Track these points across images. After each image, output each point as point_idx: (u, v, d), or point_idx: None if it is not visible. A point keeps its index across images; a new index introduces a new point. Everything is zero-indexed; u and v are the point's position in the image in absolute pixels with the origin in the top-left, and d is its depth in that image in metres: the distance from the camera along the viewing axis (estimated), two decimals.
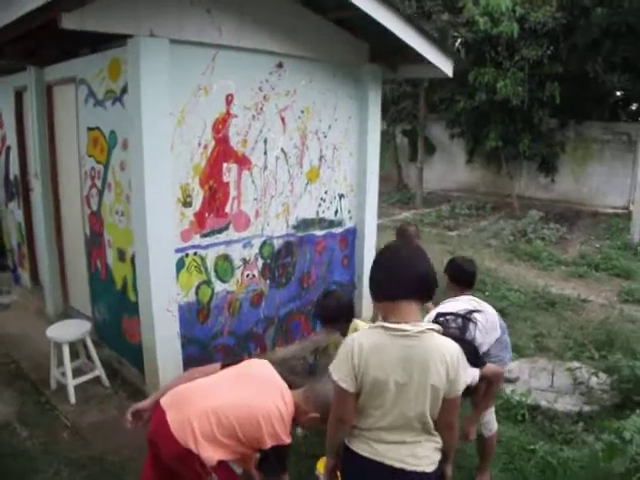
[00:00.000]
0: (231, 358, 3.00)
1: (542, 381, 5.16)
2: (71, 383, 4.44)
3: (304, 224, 5.48)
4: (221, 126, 4.57)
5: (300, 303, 5.62)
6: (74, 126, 5.10)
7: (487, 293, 7.49)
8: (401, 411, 2.17)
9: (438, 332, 2.18)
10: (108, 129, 4.59)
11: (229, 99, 4.57)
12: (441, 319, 3.21)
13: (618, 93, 15.23)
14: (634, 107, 16.20)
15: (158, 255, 4.18)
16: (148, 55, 3.89)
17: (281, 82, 4.94)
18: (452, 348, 2.17)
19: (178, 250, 4.42)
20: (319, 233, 5.66)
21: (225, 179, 4.69)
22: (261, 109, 4.83)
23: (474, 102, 12.88)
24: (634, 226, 10.71)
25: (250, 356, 5.16)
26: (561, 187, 15.24)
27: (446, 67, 5.62)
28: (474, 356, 3.09)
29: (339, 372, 2.19)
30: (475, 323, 3.20)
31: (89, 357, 4.70)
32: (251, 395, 2.64)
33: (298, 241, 5.45)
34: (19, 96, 6.14)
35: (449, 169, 17.47)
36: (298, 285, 5.56)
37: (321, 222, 5.65)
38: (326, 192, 5.62)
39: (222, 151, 4.61)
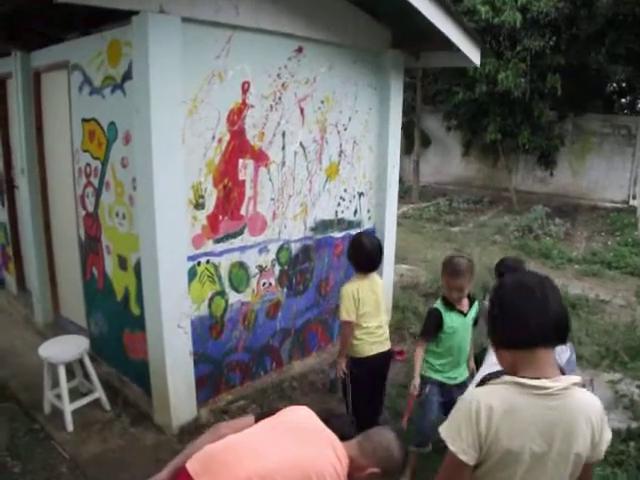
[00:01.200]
0: (263, 412, 2.43)
1: None
2: (68, 409, 3.90)
3: (322, 226, 4.99)
4: (236, 117, 4.05)
5: (317, 312, 5.15)
6: (66, 117, 4.55)
7: None
8: None
9: (579, 385, 1.71)
10: (107, 121, 4.05)
11: (245, 87, 4.06)
12: None
13: (616, 85, 14.93)
14: (630, 98, 15.89)
15: (168, 264, 3.67)
16: (157, 35, 3.35)
17: (300, 69, 4.43)
18: (596, 405, 1.70)
19: (190, 258, 3.90)
20: (338, 235, 5.18)
21: (241, 177, 4.18)
22: (279, 99, 4.32)
23: (473, 94, 12.49)
24: None
25: (266, 372, 4.70)
26: (559, 181, 14.93)
27: (474, 55, 5.17)
28: None
29: (460, 441, 1.68)
30: None
31: (86, 376, 4.18)
32: (299, 452, 2.11)
33: (316, 244, 4.97)
34: (2, 84, 5.56)
35: (444, 162, 17.09)
36: (316, 292, 5.08)
37: (340, 223, 5.17)
38: (345, 190, 5.14)
39: (237, 146, 4.10)
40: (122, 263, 4.17)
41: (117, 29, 3.76)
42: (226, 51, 3.85)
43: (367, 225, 5.48)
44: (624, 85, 14.84)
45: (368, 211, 5.48)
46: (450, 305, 3.52)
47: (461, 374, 3.68)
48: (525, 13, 11.25)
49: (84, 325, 4.90)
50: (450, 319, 3.51)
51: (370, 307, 3.68)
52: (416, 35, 5.04)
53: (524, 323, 1.69)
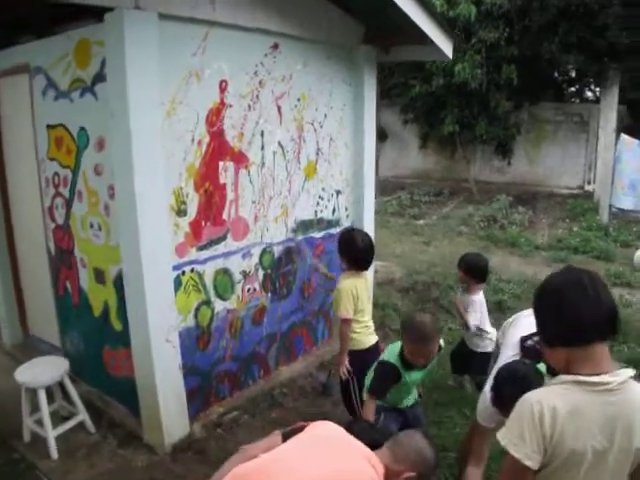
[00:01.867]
0: (290, 429, 2.29)
1: None
2: (52, 435, 3.65)
3: (303, 226, 4.86)
4: (215, 118, 3.87)
5: (302, 315, 5.01)
6: (29, 124, 4.27)
7: None
8: None
9: (635, 378, 1.66)
10: (76, 126, 3.81)
11: (223, 86, 3.88)
12: (530, 342, 2.71)
13: (565, 74, 15.24)
14: (579, 87, 16.27)
15: (154, 275, 3.47)
16: (134, 33, 3.14)
17: (277, 66, 4.28)
18: None
19: (174, 268, 3.71)
20: (318, 235, 5.05)
21: (222, 180, 4.00)
22: (257, 97, 4.16)
23: (430, 87, 12.55)
24: (602, 207, 10.59)
25: (254, 381, 4.55)
26: (516, 169, 15.14)
27: (447, 48, 5.12)
28: None
29: (524, 446, 1.60)
30: None
31: (66, 398, 3.93)
32: (336, 467, 2.00)
33: (298, 246, 4.83)
34: None
35: (402, 156, 17.12)
36: (299, 295, 4.94)
37: (319, 223, 5.04)
38: (323, 189, 5.02)
39: (217, 147, 3.92)
40: (99, 276, 3.94)
41: (85, 28, 3.52)
42: (202, 49, 3.67)
43: (345, 223, 5.37)
44: (573, 75, 15.14)
45: (346, 209, 5.37)
46: (410, 364, 3.16)
47: (413, 397, 3.51)
48: (479, 5, 11.36)
49: (57, 344, 4.63)
50: (409, 377, 3.23)
51: (365, 303, 3.80)
52: (388, 29, 4.95)
53: (580, 320, 1.64)
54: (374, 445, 2.18)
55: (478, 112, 12.89)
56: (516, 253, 9.09)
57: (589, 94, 16.52)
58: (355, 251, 3.69)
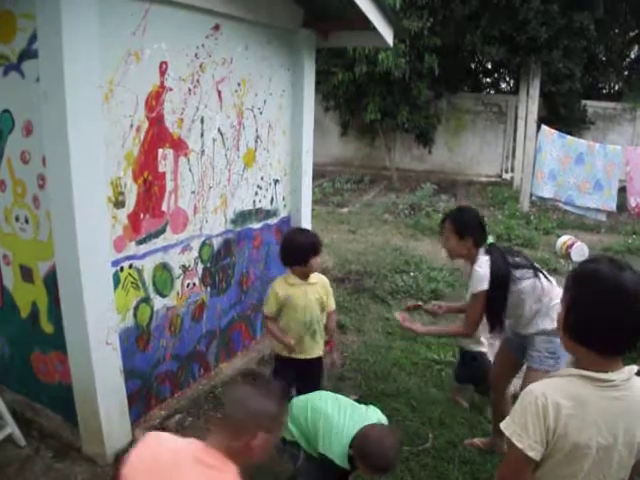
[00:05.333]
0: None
1: None
2: None
3: (242, 217, 4.67)
4: (155, 102, 3.61)
5: (240, 309, 4.83)
6: None
7: (412, 274, 7.16)
8: None
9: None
10: None
11: (163, 68, 3.62)
12: None
13: (481, 65, 15.71)
14: (495, 78, 16.84)
15: (92, 272, 3.18)
16: (72, 3, 2.83)
17: (218, 48, 4.05)
18: None
19: (113, 264, 3.44)
20: (256, 226, 4.88)
21: (161, 169, 3.74)
22: (197, 81, 3.92)
23: (353, 74, 12.54)
24: (523, 196, 10.99)
25: (195, 380, 4.35)
26: (436, 158, 15.48)
27: (388, 35, 5.07)
28: None
29: (527, 437, 1.60)
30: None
31: None
32: None
33: (236, 237, 4.64)
34: None
35: (322, 143, 16.94)
36: (238, 289, 4.76)
37: (258, 213, 4.87)
38: (262, 178, 4.84)
39: (156, 134, 3.66)
40: (27, 275, 3.59)
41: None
42: (142, 27, 3.39)
43: (283, 214, 5.23)
44: (489, 66, 15.62)
45: (283, 199, 5.22)
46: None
47: None
48: None
49: None
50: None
51: (299, 313, 3.66)
52: (328, 13, 4.84)
53: (617, 335, 1.60)
54: None
55: (400, 101, 13.02)
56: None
57: (503, 85, 17.12)
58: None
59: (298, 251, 3.52)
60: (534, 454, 1.60)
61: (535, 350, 3.19)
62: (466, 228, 3.28)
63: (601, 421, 1.60)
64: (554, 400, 1.59)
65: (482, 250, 3.26)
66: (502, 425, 1.68)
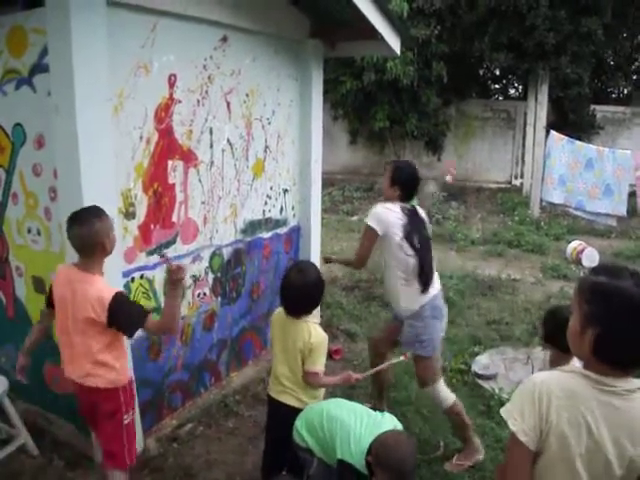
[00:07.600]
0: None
1: (520, 373, 4.86)
2: None
3: (252, 227, 4.69)
4: (164, 114, 3.65)
5: (251, 319, 4.84)
6: None
7: None
8: None
9: None
10: (10, 122, 3.47)
11: (172, 80, 3.66)
12: None
13: (490, 72, 15.71)
14: (503, 84, 16.83)
15: None
16: (82, 18, 2.88)
17: (226, 59, 4.09)
18: None
19: (124, 274, 3.47)
20: (266, 235, 4.90)
21: (170, 180, 3.78)
22: (206, 92, 3.96)
23: (361, 83, 12.59)
24: (533, 202, 10.95)
25: (206, 389, 4.38)
26: (446, 165, 15.44)
27: (395, 44, 5.10)
28: None
29: (521, 422, 1.64)
30: None
31: (3, 419, 3.60)
32: None
33: (247, 247, 4.66)
34: None
35: (331, 152, 16.99)
36: (248, 298, 4.77)
37: (267, 222, 4.89)
38: (271, 188, 4.87)
39: (166, 145, 3.70)
40: (39, 286, 3.63)
41: (17, 14, 3.22)
42: (151, 40, 3.44)
43: (292, 223, 5.25)
44: (497, 73, 15.62)
45: (293, 208, 5.25)
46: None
47: None
48: (411, 2, 11.45)
49: None
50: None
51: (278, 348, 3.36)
52: (335, 23, 4.87)
53: (636, 352, 1.61)
54: None
55: (408, 108, 13.05)
56: (453, 248, 9.25)
57: (512, 91, 17.10)
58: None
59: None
60: (527, 439, 1.62)
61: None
62: (398, 180, 3.65)
63: (592, 422, 1.59)
64: (549, 389, 1.62)
65: (400, 204, 3.63)
66: (502, 410, 1.72)
